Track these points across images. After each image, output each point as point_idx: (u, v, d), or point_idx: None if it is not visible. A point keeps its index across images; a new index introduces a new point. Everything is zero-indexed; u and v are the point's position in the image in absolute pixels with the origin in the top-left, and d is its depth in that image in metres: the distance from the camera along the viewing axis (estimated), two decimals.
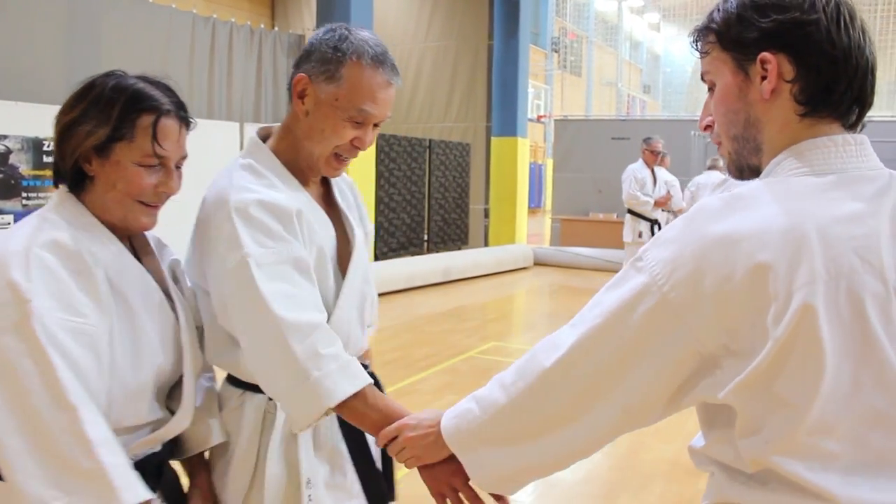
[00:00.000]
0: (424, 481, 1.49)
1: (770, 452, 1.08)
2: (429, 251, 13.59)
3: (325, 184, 1.88)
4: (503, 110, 14.74)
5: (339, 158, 1.74)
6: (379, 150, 11.83)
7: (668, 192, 8.92)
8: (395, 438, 1.49)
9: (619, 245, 9.73)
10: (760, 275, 1.05)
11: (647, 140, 8.94)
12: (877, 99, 1.22)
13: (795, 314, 1.03)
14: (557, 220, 15.69)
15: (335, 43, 1.66)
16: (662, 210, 8.87)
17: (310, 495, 1.68)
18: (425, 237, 13.74)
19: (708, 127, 1.31)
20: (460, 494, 1.46)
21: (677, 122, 15.44)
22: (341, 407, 1.54)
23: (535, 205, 27.36)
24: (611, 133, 15.13)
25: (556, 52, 31.30)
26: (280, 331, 1.51)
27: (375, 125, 1.73)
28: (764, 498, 1.12)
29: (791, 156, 1.17)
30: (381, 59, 1.68)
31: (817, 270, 1.04)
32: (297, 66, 1.71)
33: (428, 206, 13.69)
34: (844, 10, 1.15)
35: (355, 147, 1.72)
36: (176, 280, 1.72)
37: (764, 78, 1.18)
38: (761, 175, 1.22)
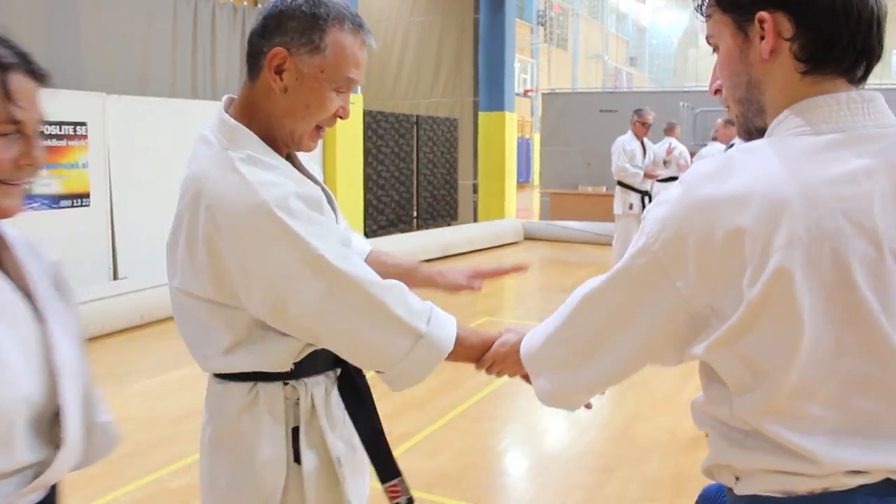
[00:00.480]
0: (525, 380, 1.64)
1: (756, 414, 1.10)
2: (418, 228, 13.56)
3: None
4: (490, 85, 14.67)
5: (321, 131, 1.66)
6: (366, 127, 11.75)
7: (663, 160, 8.93)
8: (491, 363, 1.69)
9: (610, 218, 9.70)
10: (737, 238, 1.05)
11: (638, 112, 8.91)
12: None
13: (770, 277, 1.03)
14: (546, 194, 15.66)
15: (311, 9, 1.56)
16: (658, 181, 8.87)
17: (342, 474, 1.66)
18: (414, 214, 13.70)
19: (717, 91, 1.29)
20: None
21: (665, 93, 15.44)
22: (453, 350, 1.63)
23: (523, 179, 27.32)
24: (599, 106, 15.08)
25: (541, 25, 31.15)
26: (381, 301, 1.52)
27: None
28: (754, 459, 1.14)
29: (791, 114, 1.15)
30: (359, 21, 1.60)
31: (797, 233, 1.03)
32: (264, 37, 1.58)
33: (416, 182, 13.65)
34: None
35: (337, 117, 1.64)
36: (58, 288, 1.40)
37: (763, 38, 1.15)
38: (765, 136, 1.20)
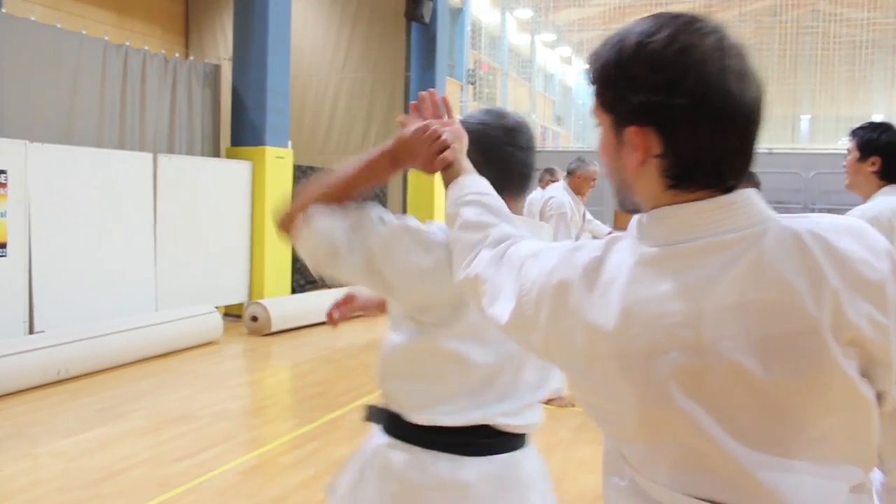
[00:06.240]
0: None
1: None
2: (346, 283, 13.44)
3: None
4: None
5: None
6: (296, 181, 11.69)
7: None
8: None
9: None
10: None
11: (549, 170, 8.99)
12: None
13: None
14: None
15: None
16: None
17: None
18: None
19: None
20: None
21: (592, 152, 15.75)
22: None
23: None
24: None
25: (471, 84, 31.61)
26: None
27: None
28: None
29: (647, 220, 1.15)
30: None
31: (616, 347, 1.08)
32: None
33: None
34: (731, 77, 1.07)
35: None
36: None
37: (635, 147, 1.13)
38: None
